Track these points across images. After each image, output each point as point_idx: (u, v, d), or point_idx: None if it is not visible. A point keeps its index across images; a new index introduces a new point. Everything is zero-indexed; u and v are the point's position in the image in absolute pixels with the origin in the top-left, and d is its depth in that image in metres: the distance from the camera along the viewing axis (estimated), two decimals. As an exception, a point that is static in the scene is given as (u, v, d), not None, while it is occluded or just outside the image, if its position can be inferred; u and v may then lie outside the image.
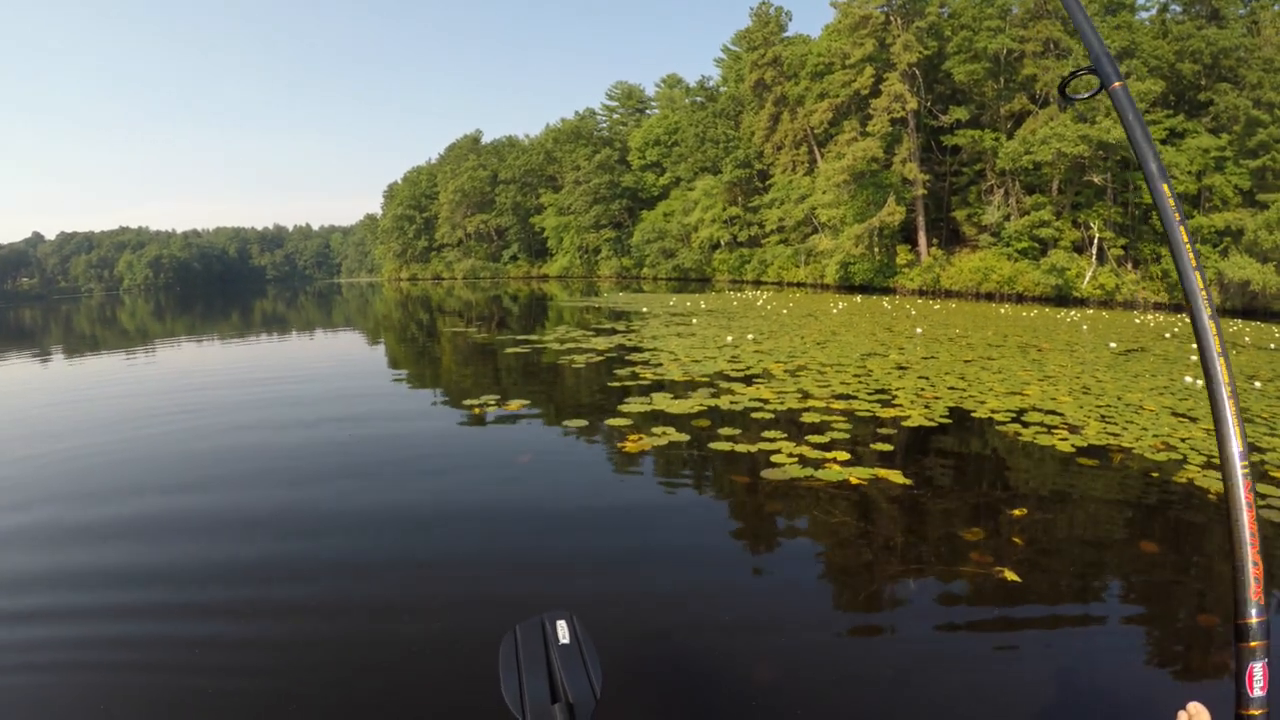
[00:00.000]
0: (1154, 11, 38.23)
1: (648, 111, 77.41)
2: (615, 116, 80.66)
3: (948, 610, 4.77)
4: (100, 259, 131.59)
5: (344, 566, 5.60)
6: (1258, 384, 12.44)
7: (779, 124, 49.80)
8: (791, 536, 6.05)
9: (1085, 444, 8.37)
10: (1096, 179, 33.12)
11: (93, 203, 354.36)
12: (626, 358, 15.47)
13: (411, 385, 14.92)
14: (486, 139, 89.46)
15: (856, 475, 7.20)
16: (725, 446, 8.42)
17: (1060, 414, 9.84)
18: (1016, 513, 6.32)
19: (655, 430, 9.18)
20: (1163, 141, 32.91)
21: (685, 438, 8.89)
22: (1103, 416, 9.72)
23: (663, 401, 10.85)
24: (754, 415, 9.89)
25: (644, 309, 28.97)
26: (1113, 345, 17.10)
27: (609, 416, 10.12)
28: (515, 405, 11.30)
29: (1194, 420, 9.61)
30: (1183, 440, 8.57)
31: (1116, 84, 1.39)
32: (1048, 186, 35.59)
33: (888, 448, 8.31)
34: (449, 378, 15.82)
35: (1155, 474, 7.38)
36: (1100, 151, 32.34)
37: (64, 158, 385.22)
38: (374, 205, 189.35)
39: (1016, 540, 5.72)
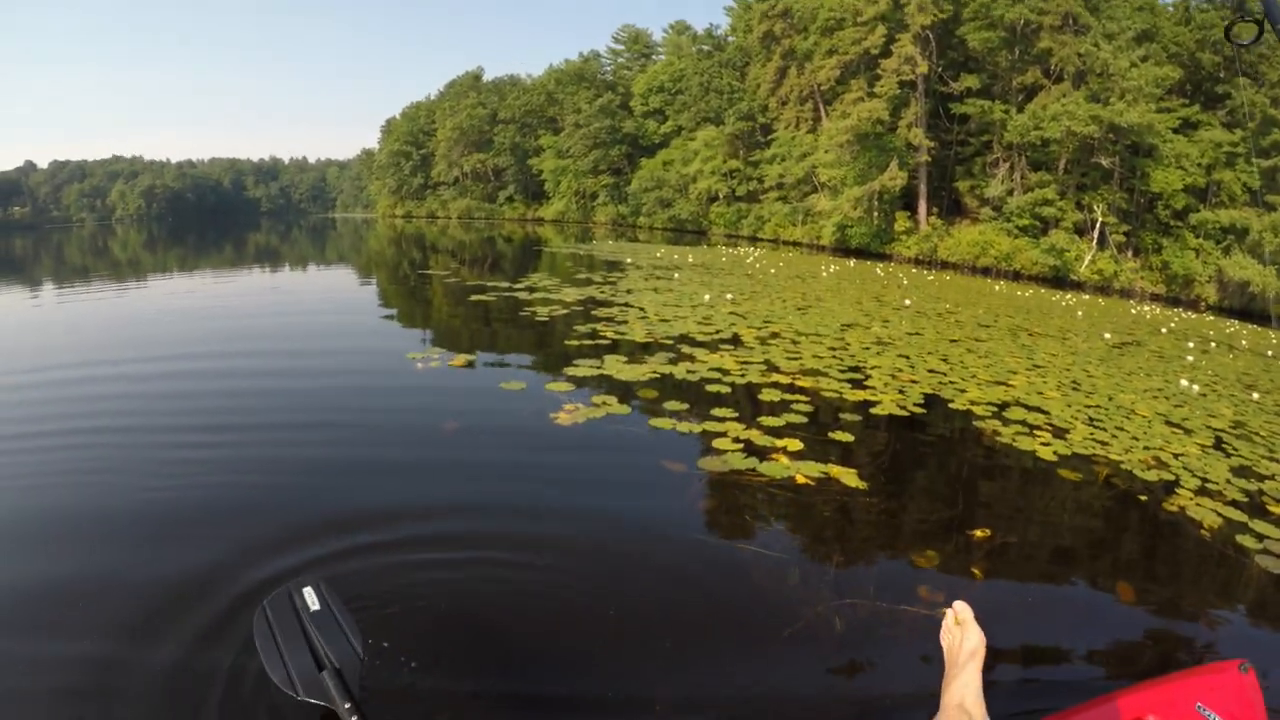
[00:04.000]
0: (1179, -3, 36.93)
1: (653, 57, 75.06)
2: (620, 61, 78.34)
3: (880, 662, 3.91)
4: (93, 188, 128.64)
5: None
6: (1255, 395, 11.54)
7: (785, 78, 48.22)
8: (712, 547, 5.10)
9: (1069, 452, 7.44)
10: (1104, 162, 31.98)
11: (86, 131, 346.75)
12: (592, 312, 14.47)
13: (364, 331, 14.02)
14: (488, 77, 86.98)
15: (805, 472, 6.29)
16: (667, 424, 7.51)
17: (1045, 412, 8.90)
18: (979, 534, 5.42)
19: (595, 400, 8.25)
20: (1175, 130, 31.88)
21: (626, 410, 7.98)
22: (1091, 419, 8.79)
23: (614, 366, 9.89)
24: (709, 388, 8.96)
25: (629, 259, 27.86)
26: (1107, 336, 16.16)
27: (552, 380, 9.19)
28: (460, 361, 10.36)
29: (1188, 432, 8.71)
30: (1176, 457, 7.64)
31: None
32: (1054, 165, 34.44)
33: (848, 439, 7.38)
34: (405, 324, 15.00)
35: (1143, 497, 6.47)
36: (1110, 134, 31.21)
37: (57, 85, 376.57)
38: (371, 140, 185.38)
39: (975, 572, 4.82)
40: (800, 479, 6.17)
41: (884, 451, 7.44)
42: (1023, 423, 8.37)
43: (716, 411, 7.92)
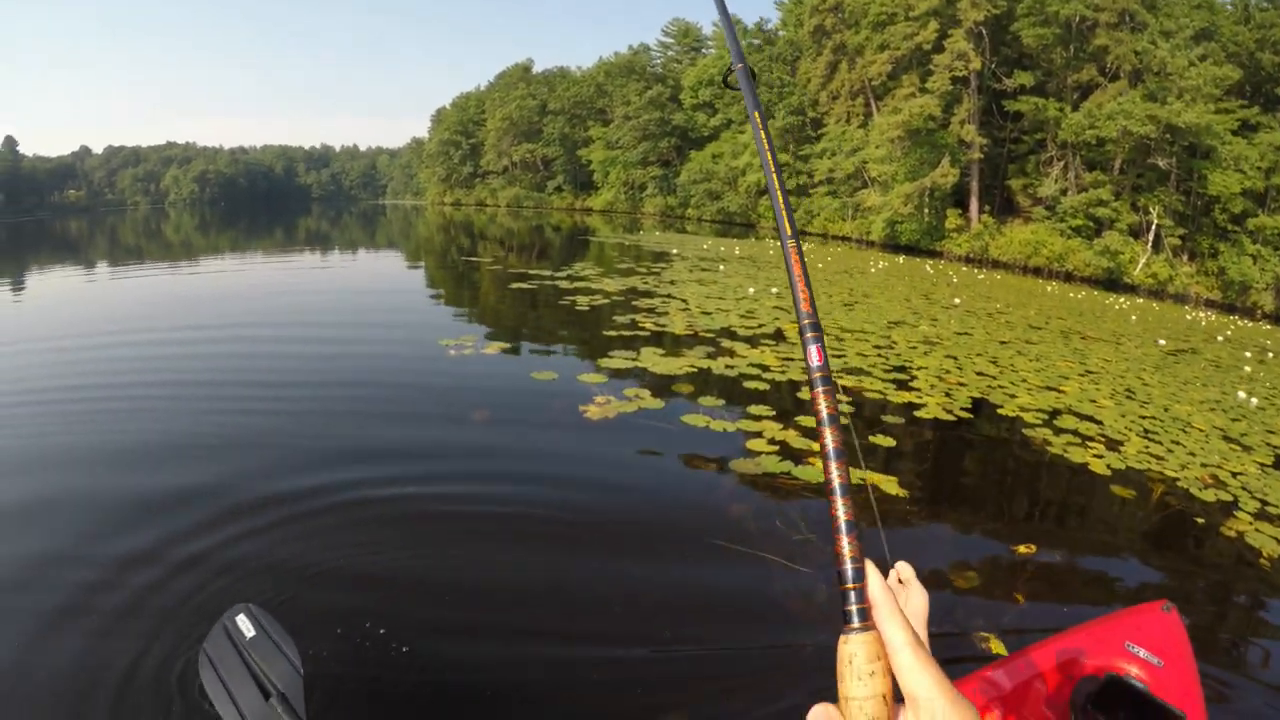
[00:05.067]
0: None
1: (703, 51, 74.64)
2: (670, 54, 77.82)
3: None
4: (147, 173, 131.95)
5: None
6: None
7: (836, 73, 47.58)
8: (737, 556, 4.84)
9: (1123, 466, 7.08)
10: (1161, 163, 30.96)
11: (140, 118, 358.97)
12: (633, 303, 14.29)
13: (403, 315, 14.05)
14: (538, 68, 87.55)
15: (842, 478, 6.02)
16: (701, 421, 7.30)
17: (1099, 422, 8.52)
18: (1023, 550, 5.14)
19: (629, 393, 8.07)
20: (1234, 132, 30.71)
21: (659, 405, 7.79)
22: (1145, 431, 8.39)
23: (651, 358, 9.71)
24: (747, 385, 8.72)
25: (675, 250, 27.61)
26: (1162, 342, 15.59)
27: (586, 371, 9.05)
28: (494, 348, 10.25)
29: (1247, 449, 8.28)
30: (1234, 475, 7.24)
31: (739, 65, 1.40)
32: (1109, 165, 33.40)
33: (889, 443, 7.11)
34: (446, 309, 15.04)
35: (1200, 519, 6.11)
36: (1168, 135, 30.16)
37: (113, 73, 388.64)
38: (422, 129, 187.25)
39: (1018, 596, 4.54)
40: (837, 484, 5.91)
41: (927, 458, 7.16)
42: (1074, 432, 8.01)
43: (754, 409, 7.70)
